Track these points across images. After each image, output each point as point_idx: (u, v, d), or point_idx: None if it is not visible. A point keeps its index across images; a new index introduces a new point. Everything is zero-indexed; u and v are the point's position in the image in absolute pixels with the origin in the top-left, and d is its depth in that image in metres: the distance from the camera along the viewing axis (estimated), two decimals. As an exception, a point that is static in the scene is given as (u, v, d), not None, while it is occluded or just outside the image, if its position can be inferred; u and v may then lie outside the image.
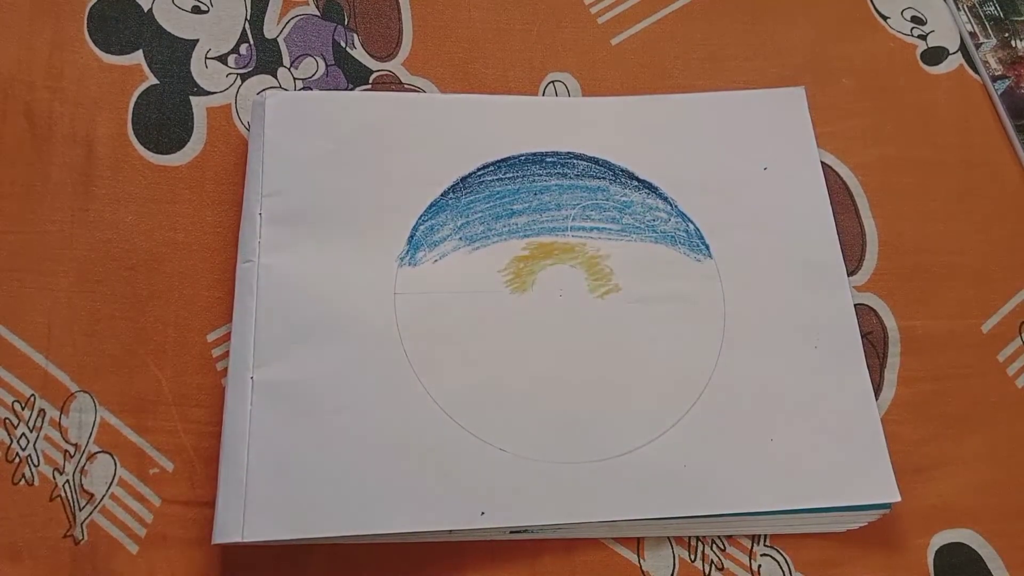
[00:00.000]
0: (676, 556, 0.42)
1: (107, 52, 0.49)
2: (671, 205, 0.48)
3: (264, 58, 0.50)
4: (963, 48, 0.55)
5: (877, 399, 0.45)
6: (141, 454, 0.42)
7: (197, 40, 0.50)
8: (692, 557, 0.42)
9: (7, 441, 0.42)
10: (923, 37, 0.55)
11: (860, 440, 0.43)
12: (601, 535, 0.42)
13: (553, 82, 0.51)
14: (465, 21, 0.52)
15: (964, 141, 0.52)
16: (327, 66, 0.50)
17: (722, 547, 0.42)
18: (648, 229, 0.47)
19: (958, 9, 0.55)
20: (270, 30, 0.51)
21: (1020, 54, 0.54)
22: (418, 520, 0.40)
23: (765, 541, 0.42)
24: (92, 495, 0.41)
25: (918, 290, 0.48)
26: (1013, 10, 0.55)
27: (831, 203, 0.48)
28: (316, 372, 0.42)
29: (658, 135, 0.49)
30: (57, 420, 0.42)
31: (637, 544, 0.42)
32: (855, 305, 0.46)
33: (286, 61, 0.50)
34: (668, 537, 0.42)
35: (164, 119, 0.48)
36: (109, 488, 0.41)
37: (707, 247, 0.47)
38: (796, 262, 0.46)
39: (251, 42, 0.51)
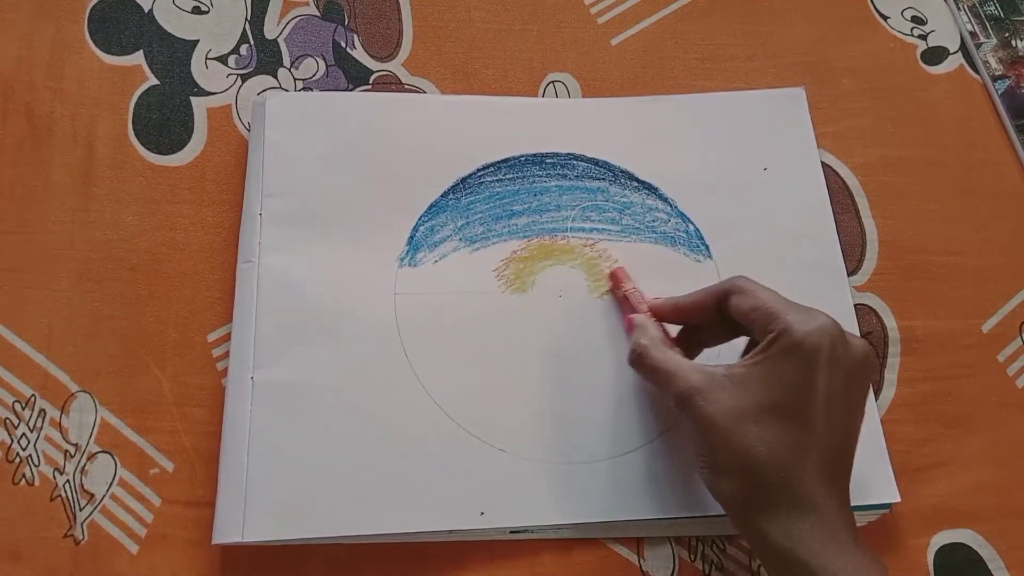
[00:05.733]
0: (676, 556, 0.42)
1: (108, 52, 0.49)
2: (671, 206, 0.47)
3: (264, 58, 0.50)
4: (963, 48, 0.54)
5: (877, 399, 0.45)
6: (141, 454, 0.42)
7: (197, 40, 0.50)
8: (692, 557, 0.42)
9: (7, 441, 0.42)
10: (923, 37, 0.55)
11: (860, 440, 0.43)
12: (601, 535, 0.42)
13: (553, 82, 0.51)
14: (465, 21, 0.52)
15: (964, 141, 0.52)
16: (327, 66, 0.50)
17: (722, 547, 0.42)
18: (648, 230, 0.47)
19: (958, 9, 0.55)
20: (270, 30, 0.51)
21: (1020, 54, 0.54)
22: (418, 520, 0.40)
23: (765, 541, 0.42)
24: (92, 495, 0.41)
25: (918, 290, 0.48)
26: (1013, 10, 0.55)
27: (831, 203, 0.48)
28: (316, 372, 0.42)
29: (658, 135, 0.49)
30: (57, 420, 0.42)
31: (637, 544, 0.42)
32: (855, 305, 0.46)
33: (286, 61, 0.50)
34: (668, 537, 0.42)
35: (164, 119, 0.48)
36: (109, 488, 0.41)
37: (707, 248, 0.47)
38: (796, 262, 0.46)
39: (251, 42, 0.51)
